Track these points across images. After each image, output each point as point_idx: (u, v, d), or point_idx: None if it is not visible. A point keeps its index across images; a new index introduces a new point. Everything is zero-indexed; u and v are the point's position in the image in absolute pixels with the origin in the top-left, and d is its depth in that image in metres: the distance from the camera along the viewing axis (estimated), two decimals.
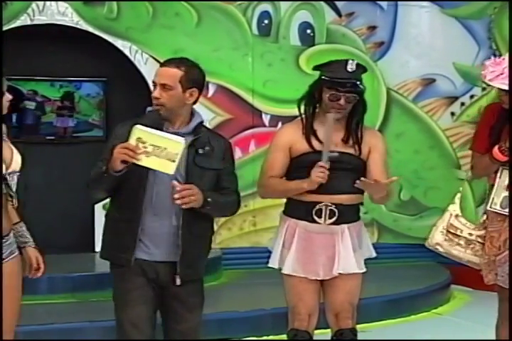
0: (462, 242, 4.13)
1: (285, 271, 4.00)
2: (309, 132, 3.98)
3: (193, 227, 3.61)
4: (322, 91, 3.94)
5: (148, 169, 3.47)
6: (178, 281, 3.60)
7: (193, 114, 3.69)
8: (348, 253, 3.97)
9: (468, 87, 7.86)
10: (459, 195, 4.29)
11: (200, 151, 3.62)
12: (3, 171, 3.26)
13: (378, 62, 7.94)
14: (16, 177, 3.34)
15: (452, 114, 8.01)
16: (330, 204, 3.92)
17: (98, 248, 7.24)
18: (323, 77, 3.93)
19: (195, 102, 3.68)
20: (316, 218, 3.94)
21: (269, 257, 4.10)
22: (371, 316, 6.01)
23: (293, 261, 3.98)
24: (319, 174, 3.81)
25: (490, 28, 7.96)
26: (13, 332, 3.40)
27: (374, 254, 4.15)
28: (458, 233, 4.15)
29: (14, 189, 3.31)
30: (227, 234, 7.62)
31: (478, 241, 4.15)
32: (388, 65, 7.91)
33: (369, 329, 5.76)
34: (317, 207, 3.93)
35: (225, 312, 5.90)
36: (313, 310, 4.03)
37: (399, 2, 7.95)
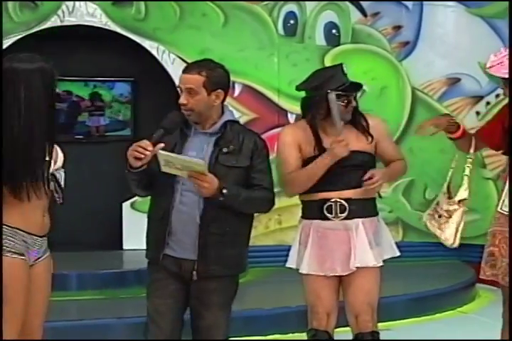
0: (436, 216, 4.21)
1: (303, 270, 4.02)
2: (317, 142, 4.00)
3: (213, 224, 3.62)
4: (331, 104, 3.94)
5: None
6: (195, 276, 3.62)
7: (223, 112, 3.72)
8: (364, 247, 3.98)
9: (493, 87, 7.75)
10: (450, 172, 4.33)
11: (224, 150, 3.64)
12: (52, 168, 3.31)
13: (403, 61, 7.96)
14: (63, 174, 3.38)
15: (477, 113, 7.98)
16: (339, 200, 3.97)
17: (126, 245, 7.39)
18: (329, 92, 3.91)
19: (223, 100, 3.70)
20: (327, 214, 3.98)
21: None
22: (396, 314, 6.04)
23: (309, 260, 4.00)
24: (342, 148, 3.88)
25: None
26: (42, 329, 3.43)
27: (397, 253, 4.14)
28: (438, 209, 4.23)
29: (63, 185, 3.36)
30: (253, 232, 7.52)
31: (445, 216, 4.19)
32: (413, 64, 7.93)
33: (394, 328, 5.77)
34: (327, 203, 3.98)
35: (250, 310, 5.94)
36: (331, 309, 4.04)
37: (424, 2, 7.95)
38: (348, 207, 3.98)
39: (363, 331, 4.01)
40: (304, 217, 4.11)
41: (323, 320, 4.02)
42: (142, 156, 3.49)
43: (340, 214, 3.98)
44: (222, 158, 3.64)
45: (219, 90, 3.64)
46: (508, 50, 4.05)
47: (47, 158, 3.26)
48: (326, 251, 4.00)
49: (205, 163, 3.52)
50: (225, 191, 3.57)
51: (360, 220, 4.01)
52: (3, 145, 3.16)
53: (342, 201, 3.97)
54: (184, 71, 3.69)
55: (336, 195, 3.97)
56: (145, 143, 3.49)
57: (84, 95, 7.83)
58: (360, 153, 4.01)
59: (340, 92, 3.93)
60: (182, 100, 3.63)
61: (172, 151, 3.60)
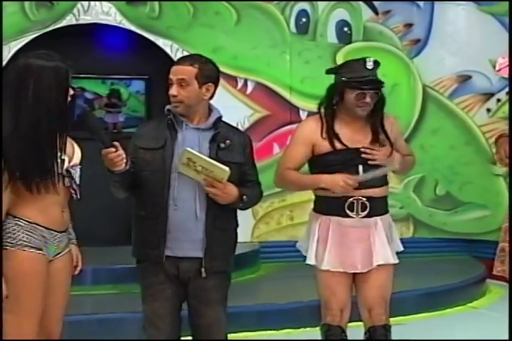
0: None
1: (324, 266, 4.01)
2: (331, 135, 3.99)
3: (218, 221, 3.64)
4: (344, 93, 3.96)
5: (171, 163, 3.58)
6: (203, 273, 3.62)
7: (211, 109, 3.73)
8: (383, 244, 4.01)
9: (504, 84, 7.78)
10: None
11: (222, 145, 3.66)
12: (67, 165, 3.36)
13: (414, 59, 8.01)
14: (78, 170, 3.43)
15: (488, 110, 8.02)
16: (361, 198, 3.97)
17: None
18: (343, 79, 3.96)
19: (211, 97, 3.71)
20: (348, 212, 3.98)
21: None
22: (407, 309, 6.06)
23: (329, 257, 4.00)
24: (345, 188, 3.88)
25: None
26: (61, 322, 3.50)
27: (401, 248, 4.17)
28: None
29: (78, 182, 3.41)
30: (265, 228, 7.72)
31: None
32: (424, 62, 7.97)
33: (404, 323, 5.79)
34: (349, 201, 3.97)
35: (263, 304, 6.00)
36: (345, 305, 4.05)
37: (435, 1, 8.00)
38: (369, 206, 3.99)
39: (376, 324, 4.04)
40: (322, 212, 4.07)
41: (337, 316, 4.04)
42: (121, 162, 3.46)
43: (361, 212, 3.99)
44: (221, 153, 3.65)
45: (210, 83, 3.66)
46: None
47: (59, 154, 3.29)
48: (346, 248, 4.00)
49: (229, 170, 3.52)
50: (245, 197, 3.63)
51: (378, 218, 4.04)
52: (12, 139, 3.19)
53: (363, 199, 3.98)
54: (176, 63, 3.70)
55: (358, 193, 3.97)
56: (111, 151, 3.43)
57: (103, 92, 7.91)
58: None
59: (351, 83, 3.93)
60: (173, 91, 3.62)
61: (163, 146, 3.61)
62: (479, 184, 7.90)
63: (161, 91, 7.76)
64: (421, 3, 8.02)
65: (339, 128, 4.02)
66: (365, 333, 4.10)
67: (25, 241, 3.28)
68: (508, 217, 4.03)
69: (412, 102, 7.96)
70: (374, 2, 7.91)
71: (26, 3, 6.92)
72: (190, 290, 3.69)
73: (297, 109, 7.72)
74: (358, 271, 4.02)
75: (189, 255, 3.64)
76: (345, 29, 7.86)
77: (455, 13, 8.03)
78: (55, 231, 3.38)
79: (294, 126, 7.65)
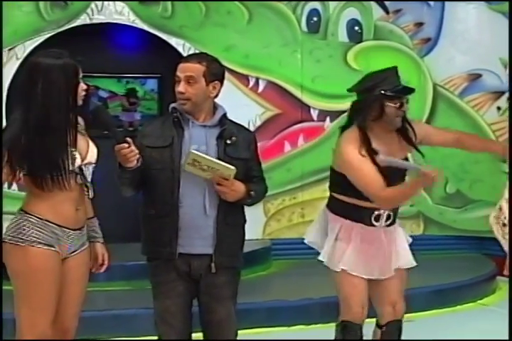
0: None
1: (343, 266, 4.00)
2: (372, 152, 3.90)
3: (228, 217, 3.67)
4: (384, 106, 3.91)
5: (179, 161, 3.60)
6: (213, 269, 3.64)
7: (215, 106, 3.75)
8: (405, 248, 4.08)
9: None
10: None
11: (229, 142, 3.67)
12: (79, 162, 3.37)
13: (425, 57, 8.03)
14: (91, 169, 3.44)
15: (498, 108, 8.03)
16: (388, 210, 4.01)
17: None
18: (383, 92, 3.88)
19: (217, 95, 3.73)
20: (375, 223, 4.01)
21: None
22: (417, 306, 6.02)
23: (349, 260, 4.00)
24: (434, 179, 3.75)
25: None
26: (77, 319, 3.53)
27: (409, 239, 4.23)
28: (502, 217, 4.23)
29: (89, 179, 3.41)
30: (277, 225, 7.75)
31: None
32: (435, 60, 7.98)
33: (415, 319, 5.81)
34: (376, 212, 4.00)
35: (274, 301, 6.04)
36: (365, 302, 4.07)
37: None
38: (392, 216, 4.04)
39: (399, 318, 4.12)
40: (343, 216, 4.05)
41: (359, 313, 4.05)
42: (133, 158, 3.47)
43: (385, 222, 4.04)
44: (228, 150, 3.67)
45: (216, 81, 3.67)
46: None
47: (70, 151, 3.31)
48: (366, 255, 4.02)
49: (234, 168, 3.55)
50: (252, 193, 3.66)
51: (396, 224, 4.12)
52: (21, 136, 3.23)
53: (390, 212, 4.02)
54: (184, 60, 3.71)
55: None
56: (124, 146, 3.45)
57: (118, 91, 7.96)
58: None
59: (393, 94, 3.89)
60: (180, 88, 3.63)
61: (171, 144, 3.63)
62: (489, 182, 7.90)
63: (173, 89, 7.86)
64: (431, 2, 8.02)
65: (375, 144, 3.94)
66: (381, 327, 4.14)
67: (35, 238, 3.30)
68: (508, 218, 4.04)
69: (422, 101, 7.98)
70: (385, 1, 7.93)
71: (41, 3, 6.99)
72: (201, 287, 3.72)
73: (308, 107, 7.75)
74: (373, 278, 4.05)
75: (200, 252, 3.66)
76: (356, 28, 7.88)
77: (466, 11, 8.03)
78: (68, 228, 3.39)
79: (305, 124, 7.73)
